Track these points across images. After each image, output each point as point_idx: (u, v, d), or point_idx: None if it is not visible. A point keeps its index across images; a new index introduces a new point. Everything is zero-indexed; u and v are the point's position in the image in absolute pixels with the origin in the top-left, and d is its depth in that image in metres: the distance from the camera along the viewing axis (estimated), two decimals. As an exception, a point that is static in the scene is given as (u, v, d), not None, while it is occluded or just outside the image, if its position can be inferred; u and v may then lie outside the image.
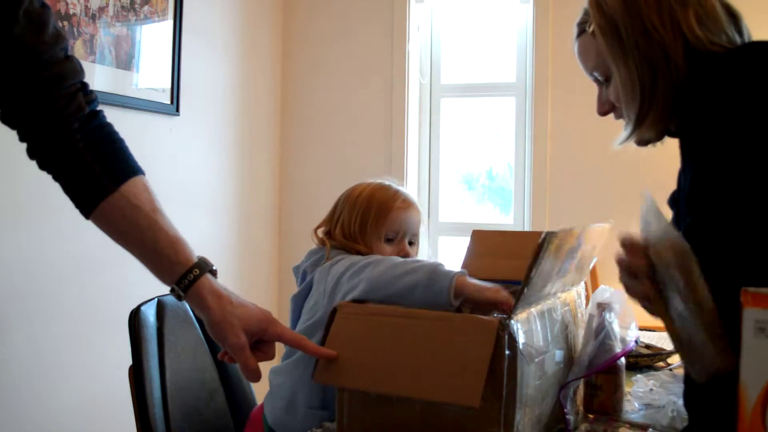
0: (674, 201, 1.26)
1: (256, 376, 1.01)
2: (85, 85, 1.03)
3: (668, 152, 1.32)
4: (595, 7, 1.08)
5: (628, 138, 1.10)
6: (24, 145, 1.01)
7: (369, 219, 1.40)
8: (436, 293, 1.13)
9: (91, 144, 0.99)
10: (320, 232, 1.45)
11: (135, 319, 1.39)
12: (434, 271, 1.15)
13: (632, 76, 1.04)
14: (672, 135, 1.09)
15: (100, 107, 1.04)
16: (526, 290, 1.00)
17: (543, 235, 0.97)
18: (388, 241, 1.41)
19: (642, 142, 1.12)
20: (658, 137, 1.10)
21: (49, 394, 2.10)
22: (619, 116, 1.13)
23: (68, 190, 1.01)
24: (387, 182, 1.47)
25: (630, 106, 1.06)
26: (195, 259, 1.00)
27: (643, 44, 1.02)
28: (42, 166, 1.01)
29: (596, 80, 1.15)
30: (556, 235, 0.99)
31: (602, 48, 1.07)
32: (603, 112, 1.16)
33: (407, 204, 1.43)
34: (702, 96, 0.96)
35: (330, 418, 1.26)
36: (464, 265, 1.55)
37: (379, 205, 1.40)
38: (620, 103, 1.09)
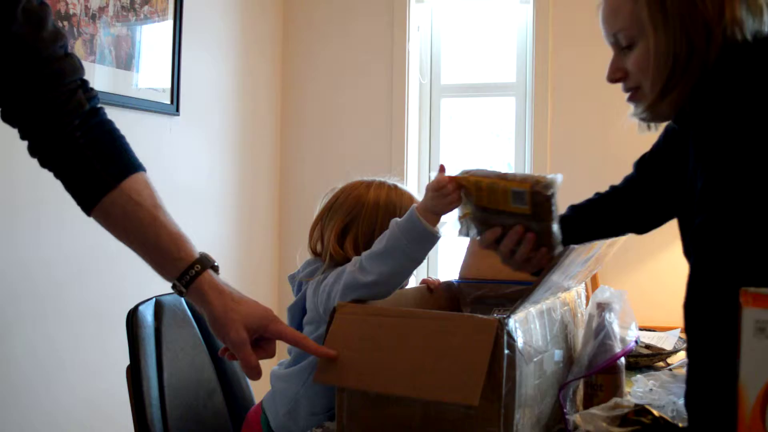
0: (640, 163, 1.29)
1: (257, 374, 1.00)
2: (85, 82, 1.03)
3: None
4: None
5: (645, 110, 1.05)
6: (24, 144, 1.01)
7: None
8: (420, 236, 1.16)
9: (91, 141, 0.99)
10: (321, 244, 1.39)
11: (133, 318, 1.39)
12: (399, 228, 1.18)
13: (668, 47, 0.99)
14: (677, 121, 1.07)
15: (100, 105, 1.04)
16: (530, 295, 1.00)
17: (563, 250, 0.96)
18: None
19: (655, 117, 1.08)
20: (671, 116, 1.06)
21: (47, 393, 2.10)
22: (630, 87, 1.08)
23: (69, 187, 1.01)
24: (391, 181, 1.43)
25: (657, 77, 1.01)
26: (197, 255, 1.00)
27: (687, 16, 0.97)
28: (43, 164, 1.01)
29: (615, 44, 1.08)
30: (575, 251, 0.99)
31: (641, 12, 1.01)
32: (614, 79, 1.10)
33: None
34: (726, 88, 0.93)
35: (331, 417, 1.26)
36: (464, 265, 1.55)
37: (403, 212, 1.37)
38: (642, 72, 1.03)
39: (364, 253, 1.22)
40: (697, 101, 0.98)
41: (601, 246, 1.13)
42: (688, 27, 0.98)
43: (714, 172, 0.92)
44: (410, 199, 1.40)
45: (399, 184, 1.43)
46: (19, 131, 1.00)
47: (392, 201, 1.37)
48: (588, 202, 1.34)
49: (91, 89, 1.03)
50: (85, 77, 1.03)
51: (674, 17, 0.98)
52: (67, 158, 0.99)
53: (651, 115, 1.07)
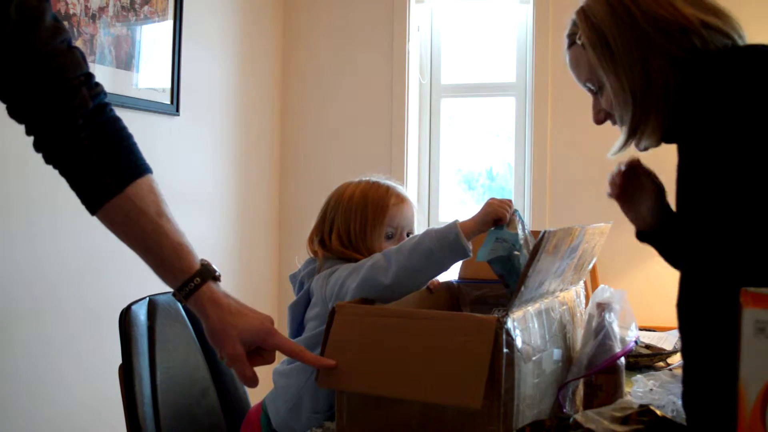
0: None
1: (253, 383, 1.01)
2: (89, 77, 1.00)
3: (668, 152, 1.32)
4: (583, 19, 1.06)
5: (622, 147, 1.10)
6: (28, 141, 1.00)
7: (368, 220, 1.38)
8: (451, 244, 1.19)
9: (96, 142, 0.98)
10: (315, 243, 1.42)
11: (126, 317, 1.38)
12: (434, 231, 1.22)
13: (624, 87, 1.03)
14: (669, 141, 1.08)
15: (107, 100, 1.02)
16: (523, 288, 1.00)
17: (541, 234, 0.97)
18: (388, 238, 1.40)
19: (647, 143, 1.10)
20: (656, 144, 1.09)
21: (39, 392, 2.09)
22: (616, 123, 1.12)
23: (74, 188, 1.00)
24: (374, 178, 1.45)
25: (625, 116, 1.05)
26: (197, 266, 0.99)
27: (633, 52, 1.01)
28: (48, 161, 1.00)
29: (590, 90, 1.14)
30: (555, 234, 0.99)
31: (592, 60, 1.06)
32: (599, 121, 1.16)
33: (401, 198, 1.42)
34: (699, 98, 0.94)
35: (331, 417, 1.26)
36: (464, 265, 1.55)
37: (374, 203, 1.39)
38: (615, 111, 1.08)
39: (391, 248, 1.26)
40: (677, 116, 1.01)
41: (582, 232, 1.13)
42: (638, 62, 1.01)
43: (699, 172, 0.92)
44: (387, 190, 1.41)
45: (382, 180, 1.45)
46: (25, 128, 0.99)
47: (366, 194, 1.40)
48: None
49: (97, 84, 1.01)
50: (90, 71, 1.01)
51: (622, 57, 1.02)
52: (72, 160, 0.98)
53: (643, 143, 1.08)
